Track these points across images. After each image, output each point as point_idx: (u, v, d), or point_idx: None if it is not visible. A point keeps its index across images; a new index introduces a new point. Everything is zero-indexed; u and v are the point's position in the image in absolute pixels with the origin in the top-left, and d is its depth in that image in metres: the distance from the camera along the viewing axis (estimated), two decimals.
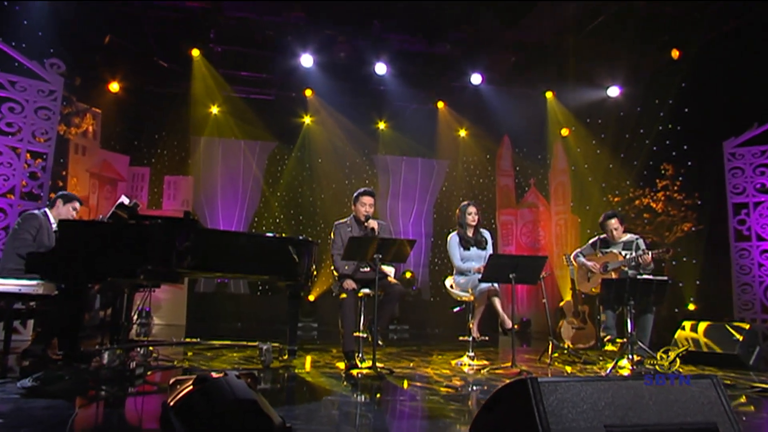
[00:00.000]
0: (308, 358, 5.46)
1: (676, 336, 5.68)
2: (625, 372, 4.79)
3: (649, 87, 8.36)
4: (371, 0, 7.56)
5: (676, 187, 8.11)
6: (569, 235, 9.59)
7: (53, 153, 6.94)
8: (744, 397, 3.86)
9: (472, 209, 5.49)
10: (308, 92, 9.78)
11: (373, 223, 5.01)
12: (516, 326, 5.09)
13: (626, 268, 5.54)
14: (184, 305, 9.17)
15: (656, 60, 8.23)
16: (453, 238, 5.53)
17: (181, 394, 2.20)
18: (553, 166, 10.14)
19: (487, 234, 5.61)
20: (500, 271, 4.81)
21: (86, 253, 3.84)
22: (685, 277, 7.75)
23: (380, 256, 4.46)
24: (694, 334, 5.58)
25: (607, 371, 4.82)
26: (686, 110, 7.93)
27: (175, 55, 8.70)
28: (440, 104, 10.36)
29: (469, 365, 5.07)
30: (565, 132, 9.75)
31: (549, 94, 9.61)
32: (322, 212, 10.53)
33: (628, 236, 5.74)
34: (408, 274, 10.40)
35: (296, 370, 4.65)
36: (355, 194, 5.16)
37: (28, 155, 6.74)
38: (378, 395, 3.76)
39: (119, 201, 4.33)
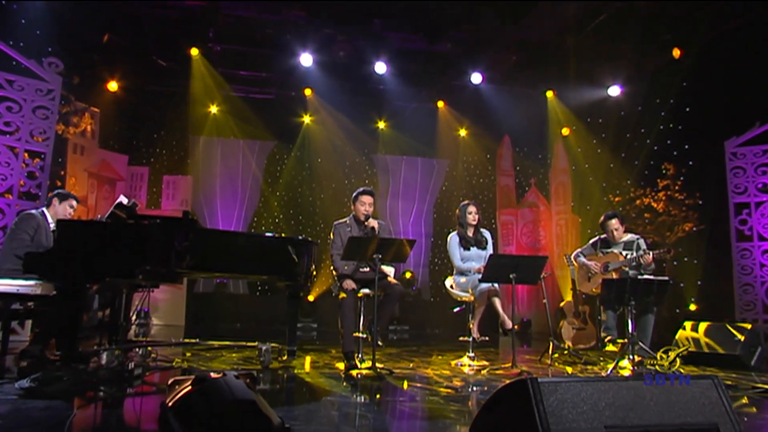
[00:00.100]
0: (307, 359, 5.45)
1: (677, 336, 5.66)
2: (626, 373, 4.77)
3: (650, 86, 8.34)
4: None
5: (677, 187, 8.09)
6: (570, 235, 9.57)
7: (51, 152, 6.92)
8: (746, 398, 3.84)
9: (472, 208, 5.48)
10: (308, 91, 9.76)
11: (373, 222, 4.99)
12: (516, 327, 5.09)
13: (627, 269, 5.53)
14: (182, 305, 9.14)
15: (657, 59, 8.21)
16: (453, 237, 5.51)
17: (179, 395, 2.20)
18: (554, 166, 10.12)
19: (487, 234, 5.60)
20: (500, 271, 4.80)
21: (84, 253, 3.83)
22: (686, 277, 7.73)
23: (380, 256, 4.44)
24: (694, 334, 5.56)
25: (608, 372, 4.80)
26: (687, 109, 7.92)
27: (174, 54, 8.68)
28: (440, 103, 10.34)
29: (470, 366, 5.05)
30: (565, 131, 9.73)
31: (549, 94, 9.59)
32: (321, 212, 10.51)
33: (628, 236, 5.72)
34: (408, 274, 10.38)
35: (295, 371, 4.64)
36: (354, 194, 5.15)
37: (26, 155, 6.72)
38: (378, 396, 3.75)
39: (118, 201, 4.32)
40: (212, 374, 2.23)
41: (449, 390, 3.91)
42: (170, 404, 2.19)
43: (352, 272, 4.88)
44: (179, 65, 8.84)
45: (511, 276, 4.76)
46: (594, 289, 5.71)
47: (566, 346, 6.27)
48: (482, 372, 4.77)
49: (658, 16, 7.44)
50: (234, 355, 5.46)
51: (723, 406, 1.92)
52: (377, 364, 4.42)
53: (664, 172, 8.21)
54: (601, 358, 5.79)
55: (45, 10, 6.97)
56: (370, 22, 8.04)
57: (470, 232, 5.50)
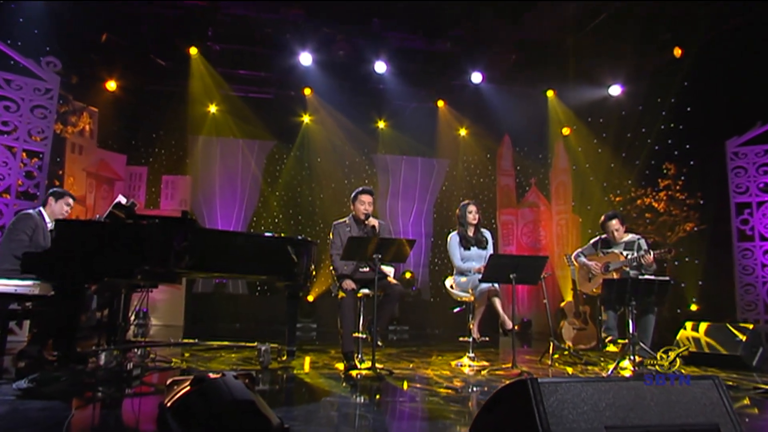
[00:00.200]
0: (307, 359, 5.43)
1: (678, 337, 5.64)
2: (627, 373, 4.75)
3: (651, 86, 8.32)
4: None
5: (678, 187, 8.07)
6: (570, 235, 9.55)
7: (49, 152, 6.91)
8: (747, 399, 3.82)
9: (472, 208, 5.47)
10: (307, 91, 9.74)
11: (373, 221, 4.98)
12: (516, 327, 5.08)
13: (628, 269, 5.51)
14: (181, 306, 9.12)
15: (657, 59, 8.20)
16: (453, 237, 5.50)
17: (178, 395, 2.20)
18: (554, 166, 10.09)
19: (487, 234, 5.58)
20: (501, 272, 4.79)
21: (83, 253, 3.81)
22: (687, 277, 7.72)
23: (379, 256, 4.42)
24: (695, 334, 5.54)
25: (609, 372, 4.78)
26: (688, 109, 7.90)
27: (173, 54, 8.67)
28: (440, 103, 10.32)
29: (470, 366, 5.04)
30: (566, 131, 9.71)
31: (550, 93, 9.58)
32: (321, 212, 10.49)
33: (629, 236, 5.70)
34: (408, 275, 10.36)
35: (295, 371, 4.62)
36: (353, 193, 5.14)
37: (24, 154, 6.70)
38: (377, 396, 3.74)
39: (116, 200, 4.31)
40: (211, 375, 2.22)
41: (449, 390, 3.89)
42: (169, 405, 2.19)
43: (351, 272, 4.87)
44: (178, 65, 8.82)
45: (511, 276, 4.75)
46: (594, 290, 5.69)
47: (567, 347, 6.25)
48: (482, 372, 4.76)
49: (657, 16, 7.44)
50: (233, 355, 5.45)
51: (724, 407, 1.91)
52: (377, 365, 4.40)
53: (665, 171, 8.19)
54: (602, 359, 5.77)
55: (43, 9, 6.96)
56: (369, 21, 8.04)
57: (470, 232, 5.49)
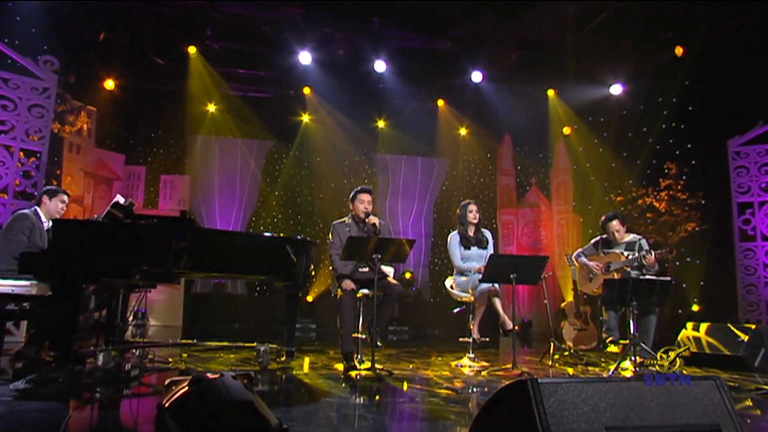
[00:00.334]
0: (306, 360, 5.42)
1: (679, 337, 5.61)
2: (628, 374, 4.73)
3: (652, 85, 8.30)
4: None
5: (679, 187, 8.05)
6: (571, 235, 9.52)
7: (47, 151, 6.88)
8: (749, 400, 3.80)
9: (473, 207, 5.47)
10: (306, 90, 9.72)
11: (374, 219, 4.97)
12: (517, 327, 5.06)
13: (629, 269, 5.48)
14: (180, 306, 9.09)
15: (657, 58, 8.18)
16: (454, 237, 5.48)
17: (176, 396, 2.20)
18: (555, 165, 10.07)
19: (488, 234, 5.57)
20: (501, 272, 4.78)
21: (81, 253, 3.80)
22: (688, 277, 7.69)
23: (379, 256, 4.40)
24: (696, 333, 5.52)
25: (610, 373, 4.76)
26: (690, 108, 7.87)
27: (171, 52, 8.64)
28: (440, 102, 10.30)
29: (470, 367, 5.02)
30: (566, 130, 9.69)
31: (550, 92, 9.55)
32: (320, 212, 10.46)
33: (630, 236, 5.68)
34: (408, 275, 10.34)
35: (294, 372, 4.61)
36: (352, 193, 5.13)
37: (22, 154, 6.68)
38: (377, 397, 3.73)
39: (114, 200, 4.29)
40: (209, 375, 2.21)
41: (449, 391, 3.88)
42: (167, 405, 2.20)
43: (351, 272, 4.85)
44: (176, 63, 8.79)
45: (511, 276, 4.74)
46: (595, 290, 5.68)
47: (567, 347, 6.23)
48: (482, 373, 4.74)
49: (657, 16, 7.42)
50: (232, 356, 5.44)
51: (725, 408, 1.89)
52: (376, 365, 4.39)
53: (666, 171, 8.17)
54: (603, 360, 5.75)
55: (40, 7, 6.94)
56: (369, 20, 8.01)
57: (471, 231, 5.47)
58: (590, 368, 5.21)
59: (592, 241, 5.91)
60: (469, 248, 5.41)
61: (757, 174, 7.26)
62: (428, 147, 10.93)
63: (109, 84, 8.87)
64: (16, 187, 6.62)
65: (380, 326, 4.72)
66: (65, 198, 4.89)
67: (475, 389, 4.07)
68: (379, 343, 4.71)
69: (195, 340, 5.79)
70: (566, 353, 5.95)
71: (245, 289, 10.21)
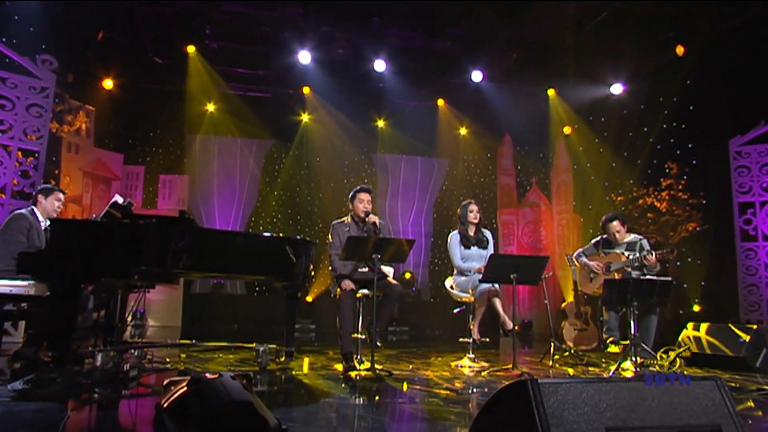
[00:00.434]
0: (306, 360, 5.41)
1: (680, 338, 5.60)
2: (629, 374, 4.72)
3: (653, 84, 8.30)
4: None
5: (680, 186, 8.04)
6: (571, 235, 9.51)
7: (45, 151, 6.88)
8: (750, 401, 3.78)
9: (474, 207, 5.46)
10: (306, 89, 9.71)
11: (374, 218, 4.96)
12: (517, 328, 5.04)
13: (630, 269, 5.47)
14: (179, 306, 9.08)
15: (658, 58, 8.17)
16: (454, 236, 5.46)
17: (175, 396, 2.20)
18: (555, 165, 10.06)
19: (488, 234, 5.56)
20: (501, 272, 4.76)
21: (79, 253, 3.79)
22: (689, 277, 7.68)
23: (379, 256, 4.39)
24: (697, 333, 5.50)
25: (610, 373, 4.75)
26: (691, 108, 7.87)
27: (170, 52, 8.62)
28: (440, 102, 10.29)
29: (470, 367, 5.01)
30: (567, 130, 9.68)
31: (551, 92, 9.54)
32: (320, 211, 10.45)
33: (631, 237, 5.67)
34: (407, 275, 10.33)
35: (293, 372, 4.60)
36: (351, 192, 5.12)
37: (20, 153, 6.67)
38: (377, 397, 3.72)
39: (113, 200, 4.27)
40: (208, 375, 2.20)
41: (449, 392, 3.86)
42: (165, 405, 2.20)
43: (350, 272, 4.83)
44: (175, 63, 8.78)
45: (511, 276, 4.73)
46: (596, 290, 5.66)
47: (568, 348, 6.22)
48: (482, 373, 4.72)
49: (658, 16, 7.42)
50: (231, 356, 5.42)
51: (726, 408, 1.88)
52: (376, 366, 4.37)
53: (667, 171, 8.16)
54: (603, 360, 5.74)
55: (39, 6, 6.93)
56: (368, 19, 8.00)
57: (471, 231, 5.46)
58: (591, 368, 5.20)
59: (593, 241, 5.89)
60: (470, 248, 5.40)
61: (758, 174, 7.26)
62: (428, 147, 10.92)
63: (108, 83, 8.86)
64: (14, 186, 6.61)
65: (380, 326, 4.71)
66: (61, 196, 4.86)
67: (475, 390, 4.05)
68: (378, 344, 4.69)
69: (194, 341, 5.75)
70: (566, 353, 5.93)
71: (244, 290, 10.20)
